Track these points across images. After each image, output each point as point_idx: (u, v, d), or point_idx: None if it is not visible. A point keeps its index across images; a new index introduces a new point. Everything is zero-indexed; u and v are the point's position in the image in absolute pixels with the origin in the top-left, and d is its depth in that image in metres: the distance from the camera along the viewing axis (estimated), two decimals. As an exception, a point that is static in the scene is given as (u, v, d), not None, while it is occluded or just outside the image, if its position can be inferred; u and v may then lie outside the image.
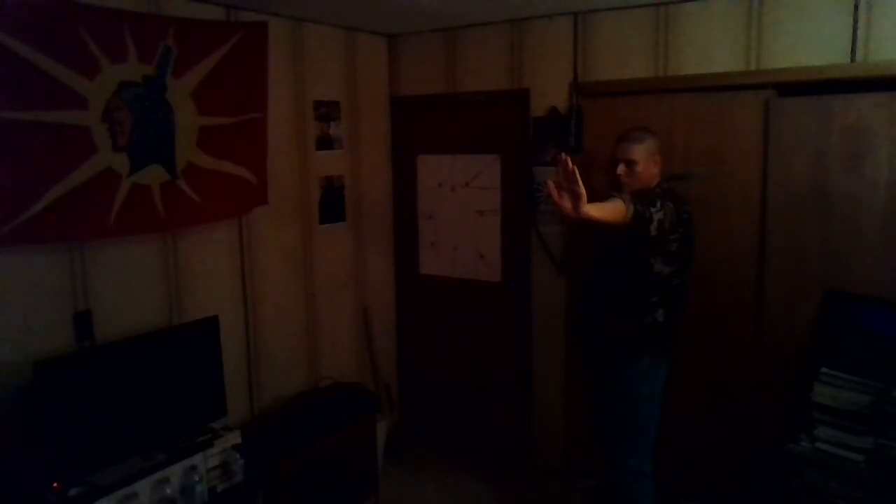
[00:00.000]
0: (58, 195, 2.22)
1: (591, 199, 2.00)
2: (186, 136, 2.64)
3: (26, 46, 2.10)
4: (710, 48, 2.94)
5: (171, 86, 2.56)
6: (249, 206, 3.01)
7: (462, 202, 3.78)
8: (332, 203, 3.55)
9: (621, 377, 2.56)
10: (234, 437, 2.58)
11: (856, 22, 2.64)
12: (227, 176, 2.83)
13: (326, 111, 3.46)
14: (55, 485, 2.10)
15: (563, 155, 1.92)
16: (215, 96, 2.71)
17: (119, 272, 2.56)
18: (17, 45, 2.08)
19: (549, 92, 3.35)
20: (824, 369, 2.54)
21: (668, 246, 2.41)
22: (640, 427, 2.58)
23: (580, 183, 1.88)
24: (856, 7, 2.64)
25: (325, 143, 3.47)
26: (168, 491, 2.30)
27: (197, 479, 2.38)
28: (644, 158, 2.50)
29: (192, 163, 2.67)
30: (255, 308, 3.16)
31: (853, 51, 2.66)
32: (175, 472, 2.34)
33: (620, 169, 2.51)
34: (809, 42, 2.74)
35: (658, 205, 2.30)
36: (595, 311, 2.66)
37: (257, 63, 2.91)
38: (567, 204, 1.90)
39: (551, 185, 1.91)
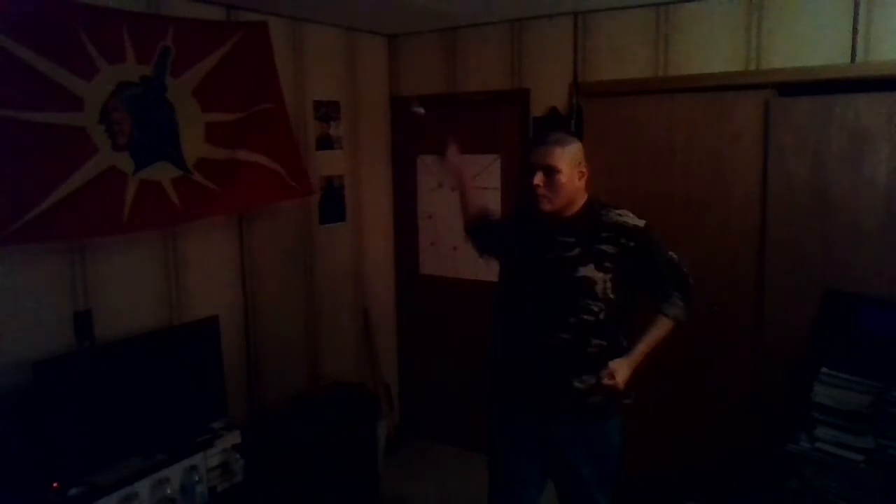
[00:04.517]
0: (63, 194, 2.22)
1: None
2: (192, 133, 2.63)
3: (22, 47, 2.10)
4: (710, 48, 2.94)
5: (170, 85, 2.55)
6: (283, 196, 3.04)
7: (462, 202, 3.78)
8: (332, 203, 3.55)
9: (604, 428, 2.11)
10: (234, 437, 2.57)
11: (856, 22, 2.64)
12: (248, 164, 2.81)
13: (326, 111, 3.46)
14: (55, 485, 2.10)
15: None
16: (220, 93, 2.70)
17: (119, 272, 2.56)
18: (13, 45, 2.07)
19: (549, 92, 3.35)
20: (824, 369, 2.54)
21: None
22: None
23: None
24: (856, 7, 2.64)
25: (325, 143, 3.47)
26: (168, 491, 2.30)
27: (197, 479, 2.38)
28: (568, 166, 1.99)
29: (205, 157, 2.66)
30: (255, 308, 3.16)
31: (853, 51, 2.66)
32: (175, 472, 2.34)
33: (538, 178, 1.99)
34: (809, 42, 2.74)
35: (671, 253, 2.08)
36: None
37: (262, 60, 2.89)
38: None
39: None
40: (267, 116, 2.90)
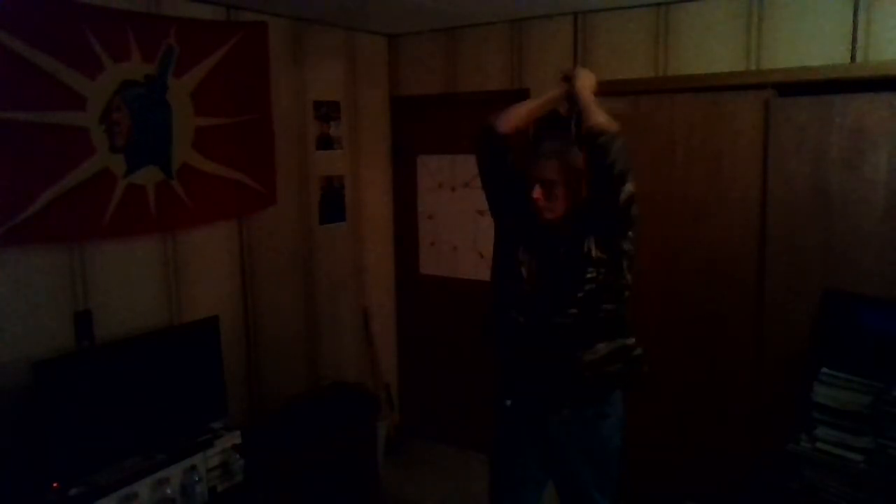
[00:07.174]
0: (54, 195, 2.22)
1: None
2: (182, 137, 2.64)
3: (29, 47, 2.10)
4: (710, 48, 2.94)
5: (171, 85, 2.56)
6: (249, 208, 3.01)
7: (462, 202, 3.78)
8: (332, 203, 3.55)
9: (603, 427, 2.07)
10: (234, 437, 2.57)
11: (856, 22, 2.64)
12: (222, 179, 2.82)
13: (326, 111, 3.46)
14: (55, 485, 2.10)
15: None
16: (213, 97, 2.71)
17: (119, 272, 2.55)
18: (18, 45, 2.08)
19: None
20: (824, 369, 2.54)
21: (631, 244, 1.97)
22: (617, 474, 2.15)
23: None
24: (856, 7, 2.64)
25: (325, 143, 3.47)
26: (168, 491, 2.30)
27: (197, 479, 2.38)
28: (567, 177, 1.98)
29: (187, 164, 2.67)
30: (255, 308, 3.16)
31: (853, 51, 2.66)
32: (175, 472, 2.34)
33: (536, 193, 1.97)
34: (809, 42, 2.74)
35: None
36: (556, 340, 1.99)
37: (258, 63, 2.91)
38: None
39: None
40: (252, 127, 2.92)
